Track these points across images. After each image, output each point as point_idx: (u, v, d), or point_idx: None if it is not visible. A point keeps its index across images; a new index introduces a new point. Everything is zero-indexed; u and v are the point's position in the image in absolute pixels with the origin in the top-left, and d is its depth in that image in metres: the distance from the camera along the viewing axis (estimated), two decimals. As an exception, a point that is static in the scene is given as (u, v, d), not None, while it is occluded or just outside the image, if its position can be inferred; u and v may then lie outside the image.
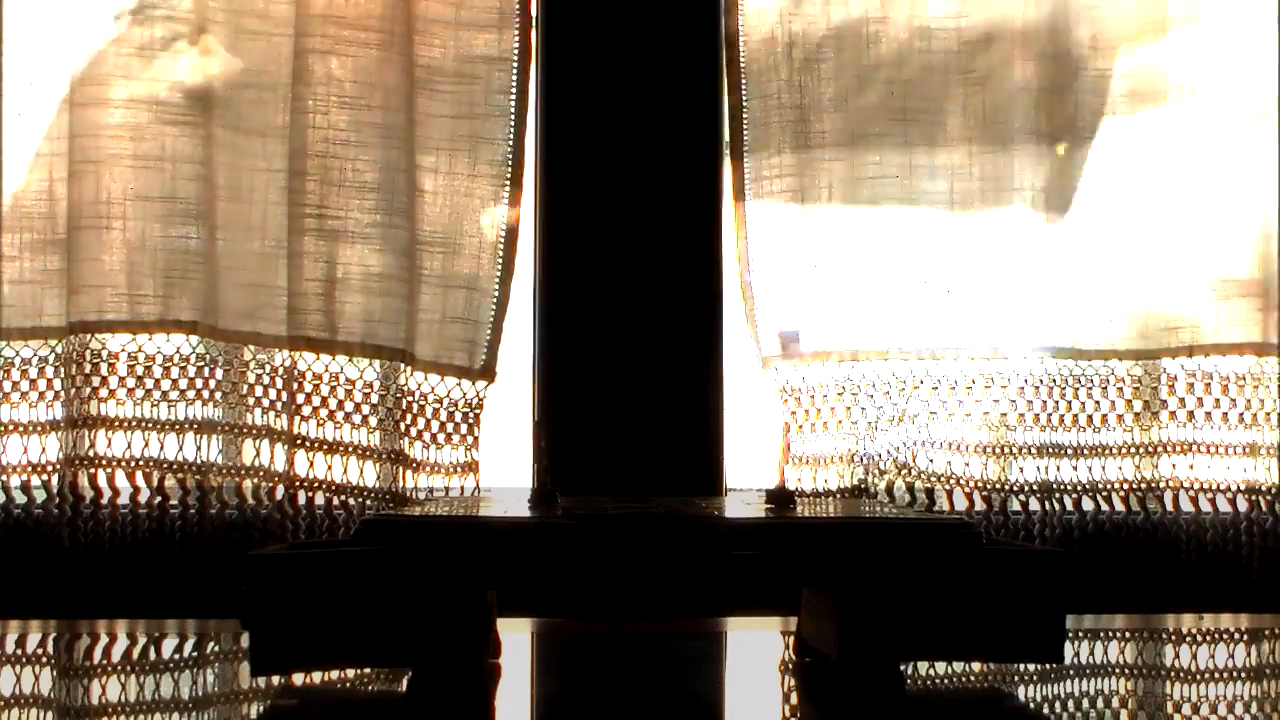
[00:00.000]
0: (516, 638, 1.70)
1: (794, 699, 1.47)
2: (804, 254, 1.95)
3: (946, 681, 1.51)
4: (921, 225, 1.96)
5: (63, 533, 1.85)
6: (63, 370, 1.88)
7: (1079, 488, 1.95)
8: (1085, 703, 1.45)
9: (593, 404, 1.97)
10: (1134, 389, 1.96)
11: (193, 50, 1.89)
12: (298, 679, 1.46)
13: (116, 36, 1.89)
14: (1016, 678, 1.50)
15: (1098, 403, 1.97)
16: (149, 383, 1.88)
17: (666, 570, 1.85)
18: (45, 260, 1.89)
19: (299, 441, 1.90)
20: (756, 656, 1.74)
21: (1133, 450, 1.96)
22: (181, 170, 1.88)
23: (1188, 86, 1.95)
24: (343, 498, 1.90)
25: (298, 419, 1.90)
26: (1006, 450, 1.95)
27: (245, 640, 1.35)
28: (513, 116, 1.95)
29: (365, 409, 1.91)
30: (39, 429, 1.88)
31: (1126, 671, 1.63)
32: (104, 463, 1.86)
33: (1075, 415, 1.96)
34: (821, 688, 1.46)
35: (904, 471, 1.94)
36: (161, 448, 1.88)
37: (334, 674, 1.47)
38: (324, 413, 1.91)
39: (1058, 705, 1.42)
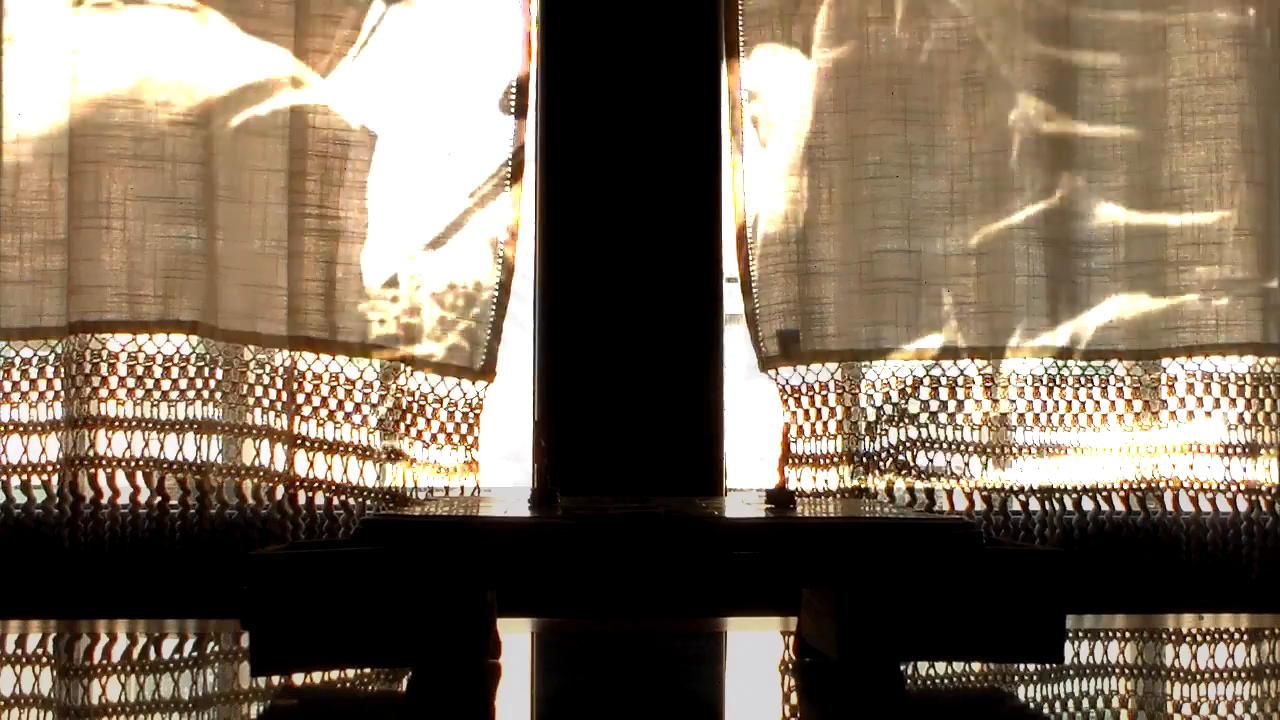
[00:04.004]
0: (516, 638, 1.70)
1: (794, 699, 1.47)
2: (804, 253, 1.96)
3: (946, 681, 1.51)
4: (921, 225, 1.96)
5: (63, 533, 1.85)
6: (63, 370, 1.88)
7: (1079, 488, 1.95)
8: (1085, 703, 1.45)
9: (593, 404, 1.97)
10: (1134, 389, 1.97)
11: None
12: (298, 679, 1.46)
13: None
14: (1016, 678, 1.50)
15: (1098, 403, 1.97)
16: (149, 383, 1.88)
17: (666, 570, 1.85)
18: (45, 260, 1.89)
19: (299, 441, 1.90)
20: (756, 656, 1.74)
21: (1133, 450, 1.96)
22: (181, 170, 1.89)
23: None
24: (343, 498, 1.90)
25: (298, 419, 1.90)
26: (1006, 450, 1.95)
27: (245, 640, 1.35)
28: (513, 115, 1.95)
29: (365, 409, 1.91)
30: (39, 429, 1.88)
31: (1126, 671, 1.63)
32: (104, 463, 1.86)
33: (1075, 415, 1.96)
34: (821, 688, 1.46)
35: (904, 471, 1.94)
36: (161, 448, 1.87)
37: (334, 674, 1.47)
38: (324, 413, 1.91)
39: (1058, 705, 1.42)
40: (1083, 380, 1.97)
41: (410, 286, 1.92)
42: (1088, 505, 1.95)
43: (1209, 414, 1.96)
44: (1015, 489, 1.94)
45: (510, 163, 1.94)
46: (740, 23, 1.97)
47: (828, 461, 1.95)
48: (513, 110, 1.95)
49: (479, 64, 1.95)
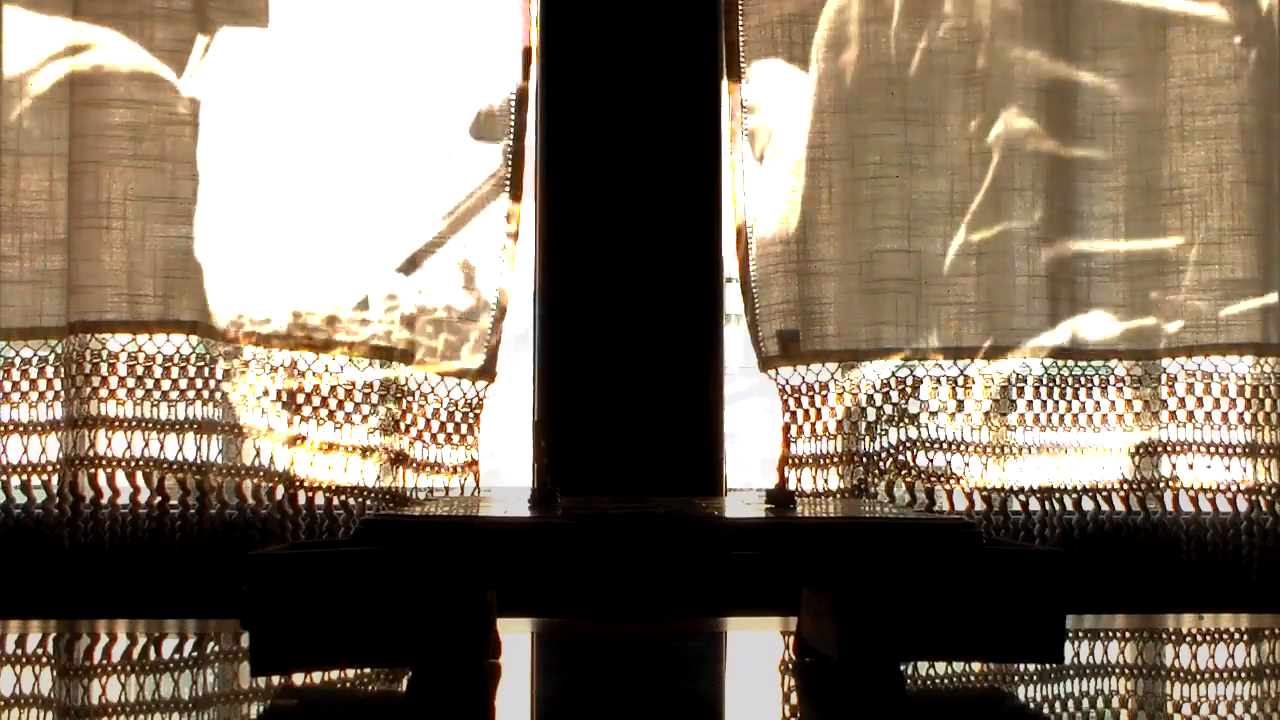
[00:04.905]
0: (516, 638, 1.70)
1: (794, 699, 1.47)
2: (804, 253, 1.96)
3: (946, 681, 1.51)
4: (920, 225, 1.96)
5: (63, 533, 1.85)
6: (63, 370, 1.88)
7: (1079, 488, 1.95)
8: (1085, 703, 1.45)
9: (593, 404, 1.97)
10: (1134, 389, 1.97)
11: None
12: (298, 679, 1.46)
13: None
14: (1016, 678, 1.50)
15: (1098, 403, 1.97)
16: (149, 383, 1.88)
17: (666, 570, 1.85)
18: (45, 260, 1.89)
19: (299, 441, 1.90)
20: (756, 656, 1.74)
21: (1133, 450, 1.96)
22: (181, 170, 1.89)
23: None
24: (343, 498, 1.90)
25: (298, 419, 1.90)
26: (1006, 450, 1.95)
27: (245, 640, 1.35)
28: (512, 115, 1.95)
29: (365, 409, 1.91)
30: (39, 429, 1.88)
31: (1126, 671, 1.63)
32: (104, 463, 1.86)
33: (1075, 415, 1.96)
34: (821, 688, 1.46)
35: (904, 471, 1.94)
36: (161, 448, 1.88)
37: (334, 674, 1.47)
38: (324, 413, 1.91)
39: (1058, 705, 1.42)
40: (1083, 380, 1.97)
41: (411, 285, 1.92)
42: (1088, 505, 1.95)
43: (1209, 414, 1.96)
44: (1015, 489, 1.94)
45: (510, 162, 1.94)
46: (740, 23, 1.97)
47: (828, 461, 1.95)
48: (512, 110, 1.95)
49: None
